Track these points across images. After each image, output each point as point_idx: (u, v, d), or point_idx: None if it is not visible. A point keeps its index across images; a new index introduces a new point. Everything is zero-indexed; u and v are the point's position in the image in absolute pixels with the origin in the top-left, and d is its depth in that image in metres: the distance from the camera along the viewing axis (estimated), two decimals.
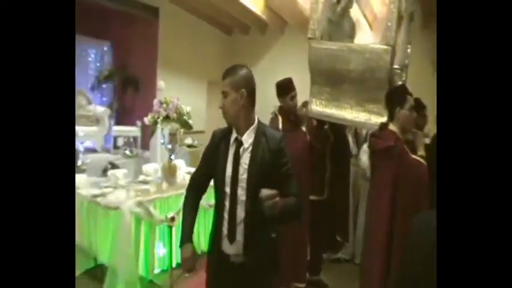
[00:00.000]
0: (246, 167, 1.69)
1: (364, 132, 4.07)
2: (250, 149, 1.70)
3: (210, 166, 1.81)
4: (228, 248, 1.74)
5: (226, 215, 1.73)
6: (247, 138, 1.72)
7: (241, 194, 1.69)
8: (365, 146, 3.52)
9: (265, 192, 1.53)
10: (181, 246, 1.81)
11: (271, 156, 1.70)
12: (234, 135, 1.75)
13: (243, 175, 1.69)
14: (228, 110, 1.72)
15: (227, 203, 1.72)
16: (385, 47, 2.76)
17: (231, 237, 1.72)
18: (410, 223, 1.30)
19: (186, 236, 1.82)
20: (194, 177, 1.94)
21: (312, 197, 3.13)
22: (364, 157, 3.47)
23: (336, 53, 2.98)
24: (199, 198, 1.94)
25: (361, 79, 2.90)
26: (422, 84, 3.66)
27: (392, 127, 2.47)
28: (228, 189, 1.71)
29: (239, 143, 1.72)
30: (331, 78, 3.07)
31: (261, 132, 1.73)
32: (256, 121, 1.76)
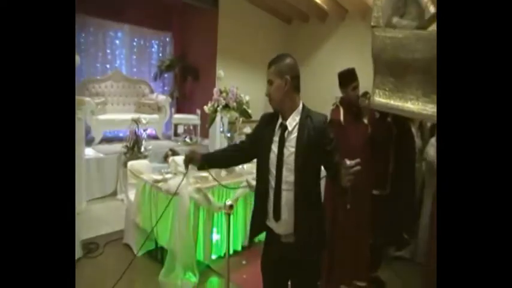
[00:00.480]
0: (293, 149, 1.75)
1: (429, 124, 3.84)
2: (295, 129, 1.77)
3: (255, 145, 1.92)
4: (276, 227, 1.82)
5: (271, 192, 1.79)
6: (292, 122, 1.79)
7: (287, 175, 1.75)
8: (433, 140, 3.34)
9: (347, 161, 1.57)
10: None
11: (317, 135, 1.76)
12: (279, 121, 1.83)
13: (289, 157, 1.75)
14: (274, 96, 1.81)
15: (273, 181, 1.78)
16: None
17: (277, 216, 1.78)
18: None
19: (205, 155, 2.06)
20: (243, 140, 2.17)
21: (374, 192, 3.02)
22: (432, 151, 3.29)
23: (402, 41, 2.83)
24: (238, 153, 2.07)
25: (429, 69, 2.72)
26: None
27: None
28: (273, 169, 1.78)
29: (284, 127, 1.79)
30: (396, 68, 2.92)
31: (305, 115, 1.80)
32: (300, 105, 1.83)
